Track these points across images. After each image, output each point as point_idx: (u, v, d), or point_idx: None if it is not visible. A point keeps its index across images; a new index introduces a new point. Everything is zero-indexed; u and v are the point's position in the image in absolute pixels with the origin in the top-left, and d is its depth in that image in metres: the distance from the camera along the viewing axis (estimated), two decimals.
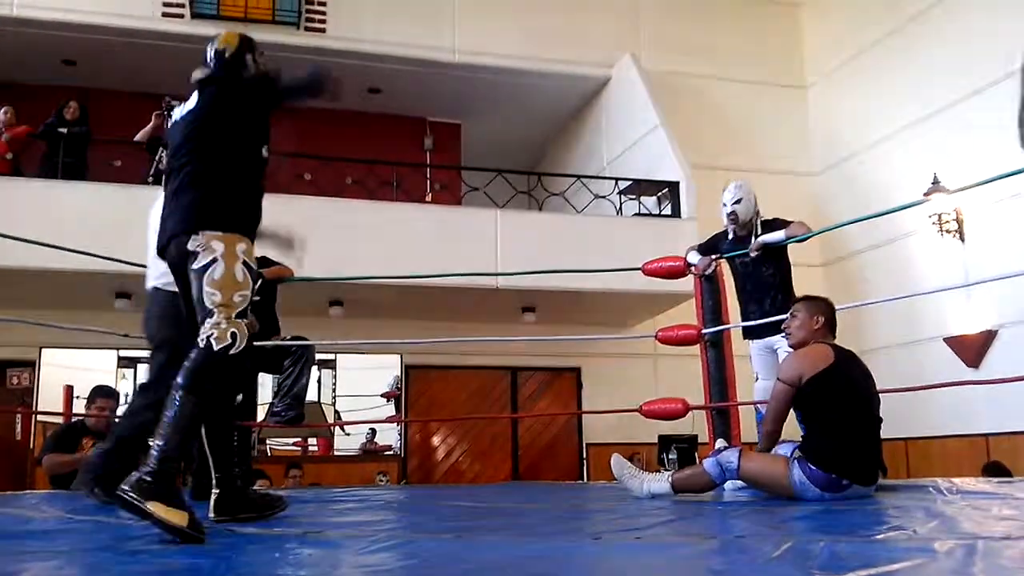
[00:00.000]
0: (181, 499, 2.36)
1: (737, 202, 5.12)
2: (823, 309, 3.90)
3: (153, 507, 2.29)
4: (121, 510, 2.41)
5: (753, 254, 5.00)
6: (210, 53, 3.17)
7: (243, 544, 2.46)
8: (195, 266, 2.73)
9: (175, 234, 2.82)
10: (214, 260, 2.71)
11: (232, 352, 2.64)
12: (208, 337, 2.63)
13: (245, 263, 2.75)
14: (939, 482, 4.10)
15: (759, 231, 5.10)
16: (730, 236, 5.25)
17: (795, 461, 3.51)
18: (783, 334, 4.01)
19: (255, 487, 5.66)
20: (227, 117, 2.93)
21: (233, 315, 2.68)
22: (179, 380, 2.55)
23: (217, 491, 2.92)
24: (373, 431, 10.59)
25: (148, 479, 2.35)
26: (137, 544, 2.40)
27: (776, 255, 5.08)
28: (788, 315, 3.90)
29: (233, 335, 2.65)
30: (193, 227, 2.77)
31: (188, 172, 2.88)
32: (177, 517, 2.30)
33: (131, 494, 2.32)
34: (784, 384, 3.65)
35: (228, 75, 3.10)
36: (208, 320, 2.67)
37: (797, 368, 3.67)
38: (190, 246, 2.75)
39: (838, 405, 3.58)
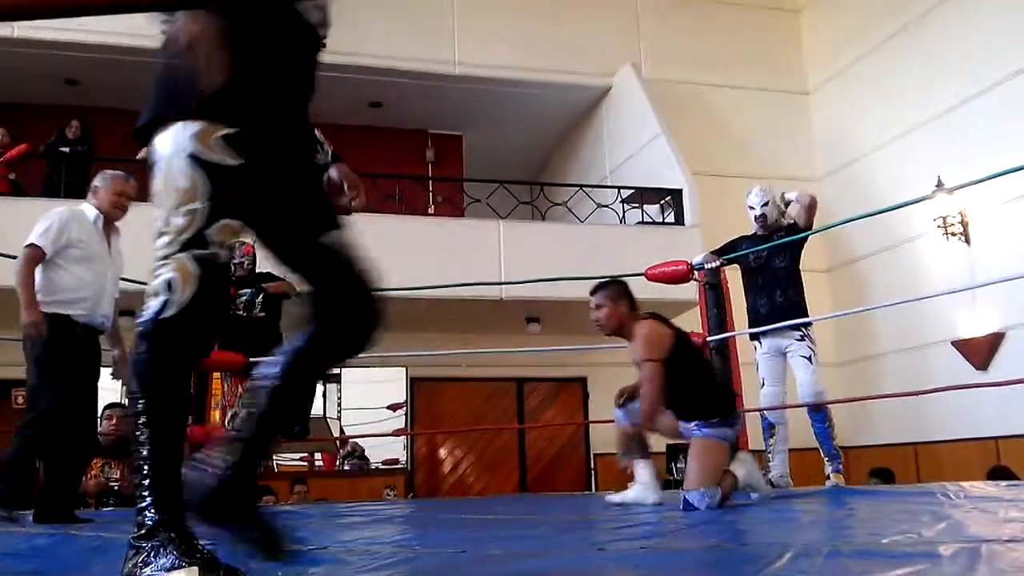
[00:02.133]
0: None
1: (765, 204, 5.27)
2: (620, 291, 4.13)
3: None
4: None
5: (791, 196, 5.23)
6: None
7: (246, 561, 2.45)
8: None
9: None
10: (154, 164, 1.79)
11: (164, 316, 1.68)
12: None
13: (193, 156, 1.72)
14: (947, 486, 4.07)
15: (783, 233, 5.18)
16: (751, 235, 5.33)
17: (699, 429, 3.83)
18: (596, 324, 4.15)
19: (261, 503, 5.67)
20: None
21: (174, 249, 1.71)
22: None
23: None
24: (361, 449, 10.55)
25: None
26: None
27: (794, 246, 5.14)
28: (591, 308, 4.09)
29: (168, 284, 1.69)
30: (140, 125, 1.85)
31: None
32: None
33: None
34: (657, 362, 3.78)
35: None
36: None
37: (659, 346, 3.85)
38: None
39: (697, 363, 3.98)
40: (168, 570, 1.55)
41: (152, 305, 1.69)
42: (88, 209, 4.14)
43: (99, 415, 5.88)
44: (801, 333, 5.05)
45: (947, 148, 9.31)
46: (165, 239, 1.71)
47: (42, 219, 4.03)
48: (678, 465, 9.29)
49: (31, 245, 3.93)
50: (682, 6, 11.60)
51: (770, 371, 5.15)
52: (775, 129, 11.48)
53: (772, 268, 5.17)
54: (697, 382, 3.89)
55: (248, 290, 5.64)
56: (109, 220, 4.17)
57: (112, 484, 5.41)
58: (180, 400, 1.71)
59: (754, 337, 5.24)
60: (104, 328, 4.10)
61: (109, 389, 9.58)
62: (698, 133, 10.77)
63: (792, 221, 5.29)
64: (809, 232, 5.18)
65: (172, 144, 1.74)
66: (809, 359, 5.01)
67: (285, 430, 1.85)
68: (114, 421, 5.69)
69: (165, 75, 1.83)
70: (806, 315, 5.13)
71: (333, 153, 2.37)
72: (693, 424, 3.87)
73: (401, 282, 7.23)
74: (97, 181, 4.22)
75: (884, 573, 1.63)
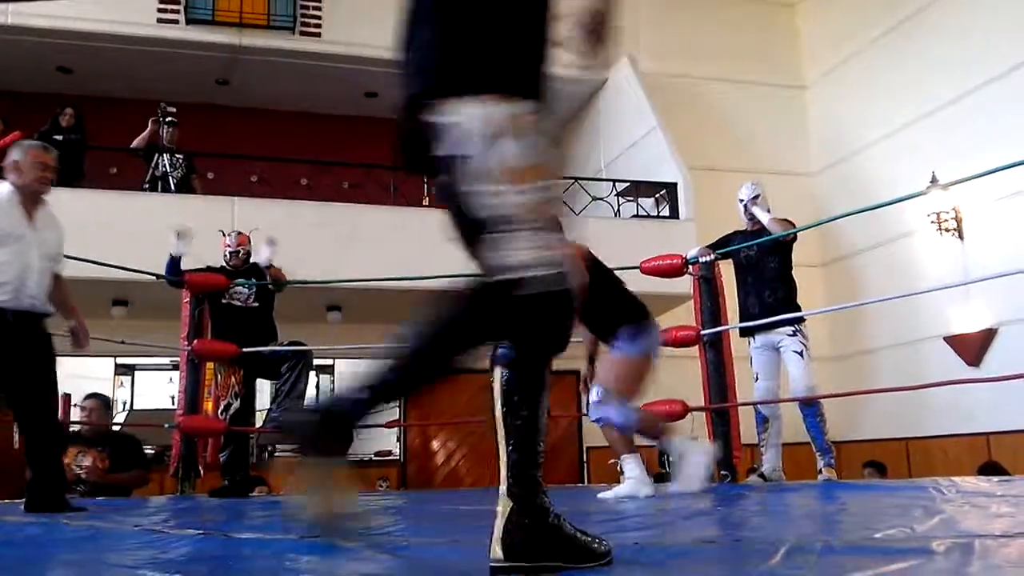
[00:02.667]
0: None
1: (755, 198, 5.27)
2: None
3: None
4: None
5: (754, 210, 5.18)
6: None
7: (238, 549, 2.44)
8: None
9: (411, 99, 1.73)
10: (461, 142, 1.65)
11: (526, 291, 1.61)
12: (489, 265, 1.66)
13: (531, 138, 1.65)
14: (939, 481, 4.08)
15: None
16: (743, 230, 5.36)
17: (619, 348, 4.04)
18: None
19: (254, 494, 5.66)
20: None
21: (539, 227, 1.62)
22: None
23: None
24: None
25: None
26: (132, 551, 2.39)
27: (783, 249, 5.16)
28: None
29: (538, 261, 1.60)
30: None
31: None
32: None
33: None
34: None
35: None
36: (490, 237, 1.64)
37: None
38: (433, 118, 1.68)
39: (602, 270, 4.26)
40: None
41: (517, 272, 1.61)
42: (2, 187, 3.84)
43: (77, 403, 5.87)
44: (793, 328, 5.06)
45: (942, 144, 9.31)
46: (527, 218, 1.61)
47: None
48: (671, 459, 9.29)
49: None
50: (679, 0, 11.57)
51: (763, 366, 5.17)
52: (771, 124, 11.48)
53: (763, 267, 5.18)
54: (608, 289, 4.11)
55: (243, 280, 5.62)
56: (31, 194, 3.86)
57: (80, 472, 5.34)
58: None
59: (747, 333, 5.25)
60: (37, 309, 3.84)
61: (103, 379, 9.56)
62: (694, 127, 10.75)
63: (785, 219, 5.30)
64: (797, 230, 5.18)
65: (494, 122, 1.63)
66: (801, 354, 5.02)
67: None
68: (87, 412, 5.66)
69: (464, 37, 1.71)
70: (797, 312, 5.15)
71: None
72: (614, 345, 4.03)
73: (395, 273, 7.25)
74: (14, 155, 3.88)
75: (878, 569, 1.63)
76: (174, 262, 5.43)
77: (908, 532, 2.25)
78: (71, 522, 3.21)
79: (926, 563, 1.72)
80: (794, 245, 5.27)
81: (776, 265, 5.17)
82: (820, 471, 5.04)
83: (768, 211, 5.32)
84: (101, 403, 5.88)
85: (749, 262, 5.24)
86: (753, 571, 1.77)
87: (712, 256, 5.24)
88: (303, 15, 10.00)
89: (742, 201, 5.38)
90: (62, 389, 9.61)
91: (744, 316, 5.25)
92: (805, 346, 5.05)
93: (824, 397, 5.28)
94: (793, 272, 5.24)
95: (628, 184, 10.10)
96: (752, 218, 5.33)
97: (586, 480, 10.58)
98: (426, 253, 8.79)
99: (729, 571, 1.92)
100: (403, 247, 8.45)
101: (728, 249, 5.31)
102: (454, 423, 10.72)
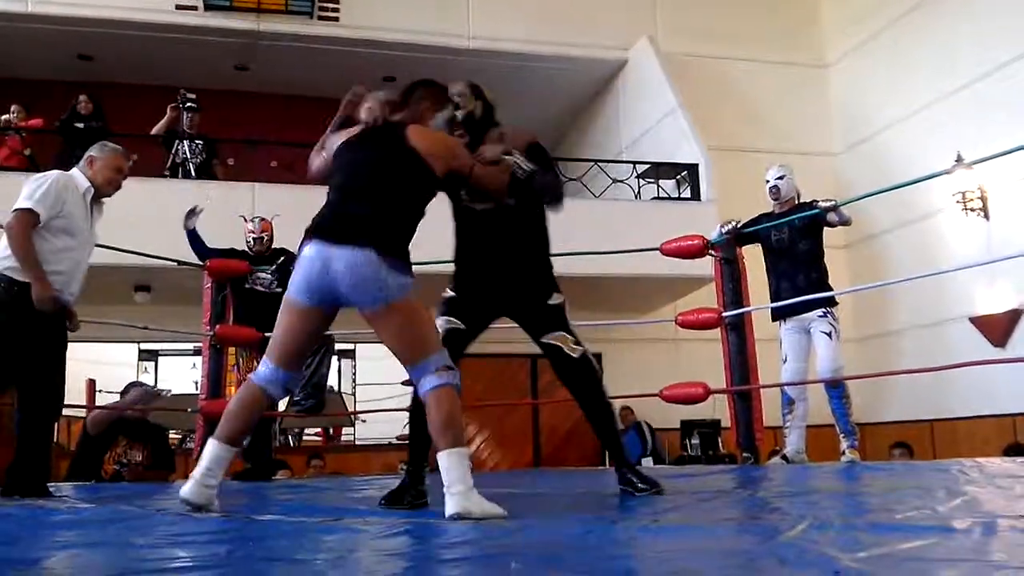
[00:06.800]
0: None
1: (780, 178, 5.27)
2: None
3: None
4: None
5: (825, 205, 5.09)
6: None
7: (261, 530, 2.47)
8: None
9: None
10: None
11: None
12: None
13: None
14: (963, 462, 4.05)
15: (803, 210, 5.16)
16: (770, 212, 5.33)
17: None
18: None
19: (276, 478, 5.70)
20: None
21: None
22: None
23: None
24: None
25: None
26: (156, 532, 2.41)
27: (815, 232, 5.12)
28: None
29: None
30: None
31: None
32: None
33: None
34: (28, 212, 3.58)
35: None
36: None
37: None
38: None
39: None
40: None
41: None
42: (80, 179, 3.77)
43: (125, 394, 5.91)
44: (824, 310, 5.03)
45: (967, 122, 9.18)
46: None
47: (33, 181, 3.66)
48: (693, 441, 9.28)
49: (26, 210, 3.55)
50: None
51: (793, 347, 5.15)
52: (793, 103, 11.35)
53: (796, 252, 5.14)
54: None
55: (266, 266, 5.64)
56: (98, 195, 3.81)
57: (120, 467, 5.34)
58: None
59: (778, 315, 5.22)
60: (69, 305, 3.72)
61: (127, 365, 9.65)
62: (714, 107, 10.65)
63: (812, 200, 5.25)
64: (822, 211, 5.10)
65: None
66: (829, 335, 5.00)
67: None
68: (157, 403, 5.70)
69: None
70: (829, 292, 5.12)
71: None
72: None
73: (414, 257, 7.24)
74: (94, 151, 3.82)
75: (897, 546, 1.62)
76: (191, 236, 5.52)
77: (930, 512, 2.24)
78: (98, 504, 3.25)
79: (945, 541, 1.70)
80: (824, 228, 5.22)
81: (808, 248, 5.13)
82: (843, 453, 5.02)
83: (798, 194, 5.32)
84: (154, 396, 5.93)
85: (780, 246, 5.20)
86: (772, 546, 1.76)
87: (737, 223, 5.21)
88: (321, 0, 10.00)
89: (768, 181, 5.35)
90: (86, 375, 9.71)
91: (776, 299, 5.22)
92: (835, 327, 5.03)
93: (849, 378, 5.24)
94: (824, 253, 5.21)
95: (649, 166, 10.03)
96: (777, 195, 5.30)
97: (607, 462, 10.58)
98: (445, 235, 8.80)
99: (747, 546, 1.91)
100: (422, 229, 8.41)
101: (758, 228, 5.26)
102: (475, 406, 10.74)
